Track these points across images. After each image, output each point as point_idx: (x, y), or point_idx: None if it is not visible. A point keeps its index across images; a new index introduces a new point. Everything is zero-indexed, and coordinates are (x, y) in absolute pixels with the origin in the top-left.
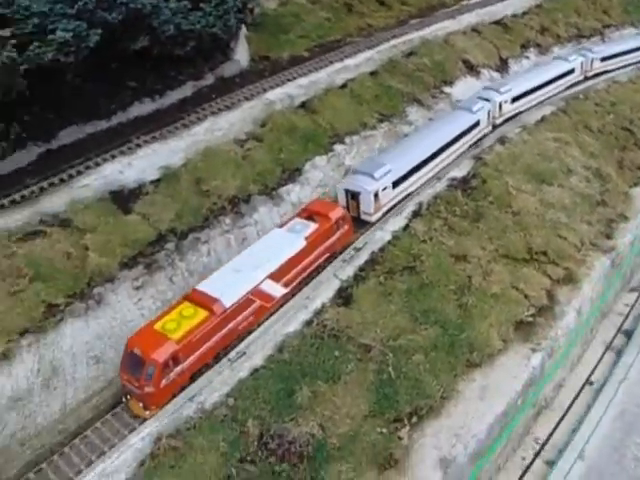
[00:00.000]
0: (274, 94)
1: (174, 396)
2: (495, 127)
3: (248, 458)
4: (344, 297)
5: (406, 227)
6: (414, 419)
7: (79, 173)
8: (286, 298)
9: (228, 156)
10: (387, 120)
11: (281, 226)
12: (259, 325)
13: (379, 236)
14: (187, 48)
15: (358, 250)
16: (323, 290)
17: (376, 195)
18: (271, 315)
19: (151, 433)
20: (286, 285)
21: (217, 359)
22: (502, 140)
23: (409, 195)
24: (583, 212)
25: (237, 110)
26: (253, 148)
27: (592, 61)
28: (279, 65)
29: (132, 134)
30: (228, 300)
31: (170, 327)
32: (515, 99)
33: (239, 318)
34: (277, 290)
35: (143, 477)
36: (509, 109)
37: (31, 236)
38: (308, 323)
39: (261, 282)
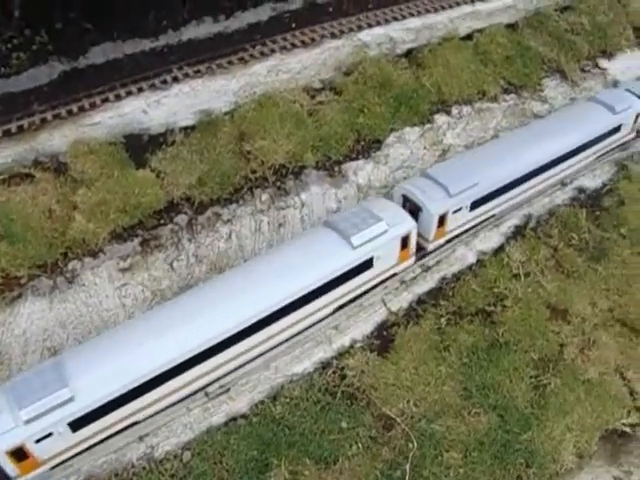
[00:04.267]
0: (371, 34)
1: None
2: None
3: None
4: (384, 339)
5: (499, 250)
6: None
7: (93, 106)
8: None
9: (290, 108)
10: (515, 91)
11: None
12: None
13: (459, 255)
14: None
15: (427, 270)
16: (361, 320)
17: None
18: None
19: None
20: None
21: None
22: None
23: (490, 219)
24: None
25: (316, 49)
26: (326, 102)
27: None
28: None
29: (176, 62)
30: None
31: None
32: None
33: None
34: None
35: None
36: None
37: (16, 180)
38: (324, 366)
39: None
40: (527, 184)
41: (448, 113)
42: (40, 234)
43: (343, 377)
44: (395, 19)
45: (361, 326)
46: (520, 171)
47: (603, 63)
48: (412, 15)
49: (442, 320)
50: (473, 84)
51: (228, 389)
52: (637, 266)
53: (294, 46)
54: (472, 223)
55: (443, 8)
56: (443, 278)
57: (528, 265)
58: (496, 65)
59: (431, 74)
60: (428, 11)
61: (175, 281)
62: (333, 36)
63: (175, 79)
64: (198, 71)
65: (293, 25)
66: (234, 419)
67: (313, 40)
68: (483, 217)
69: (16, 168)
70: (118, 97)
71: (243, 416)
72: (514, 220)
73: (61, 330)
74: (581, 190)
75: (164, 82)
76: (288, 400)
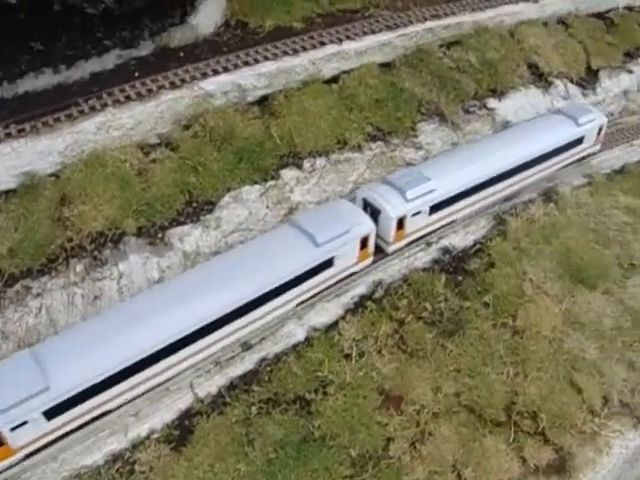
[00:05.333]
0: (216, 82)
1: None
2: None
3: None
4: (184, 429)
5: (333, 326)
6: None
7: None
8: None
9: (118, 169)
10: (383, 138)
11: None
12: None
13: (287, 331)
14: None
15: (248, 349)
16: (164, 407)
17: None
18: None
19: None
20: None
21: None
22: (549, 196)
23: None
24: (629, 344)
25: (152, 101)
26: (160, 160)
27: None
28: (253, 38)
29: (6, 119)
30: None
31: None
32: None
33: None
34: None
35: None
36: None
37: None
38: (115, 459)
39: None
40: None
41: (299, 167)
42: None
43: (131, 472)
44: (247, 64)
45: (163, 414)
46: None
47: (492, 103)
48: (267, 59)
49: (252, 409)
50: (333, 132)
51: None
52: (497, 341)
53: (129, 99)
54: (54, 435)
55: (304, 49)
56: (263, 359)
57: (364, 344)
58: (363, 110)
59: (284, 123)
60: (286, 53)
61: None
62: (173, 86)
63: None
64: (22, 130)
65: (136, 74)
66: None
67: (150, 91)
68: (74, 424)
69: None
70: None
71: None
72: (361, 288)
73: None
74: (446, 250)
75: None
76: None
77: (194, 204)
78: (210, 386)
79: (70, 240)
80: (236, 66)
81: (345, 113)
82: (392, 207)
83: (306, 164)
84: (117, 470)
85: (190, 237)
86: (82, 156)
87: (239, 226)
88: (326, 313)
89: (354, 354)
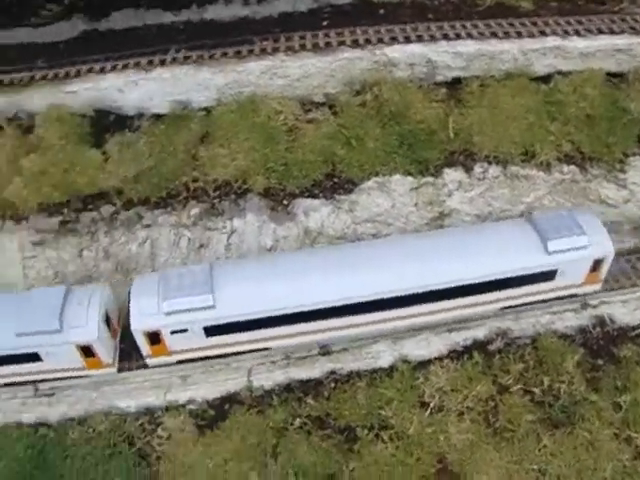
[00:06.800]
0: (402, 51)
1: None
2: None
3: None
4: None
5: (426, 364)
6: None
7: (77, 75)
8: None
9: (270, 119)
10: (580, 163)
11: None
12: None
13: (373, 351)
14: None
15: (325, 354)
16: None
17: None
18: None
19: None
20: None
21: None
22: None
23: None
24: None
25: (328, 57)
26: (317, 121)
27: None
28: (469, 9)
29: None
30: None
31: None
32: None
33: None
34: None
35: None
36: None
37: None
38: None
39: None
40: None
41: (467, 170)
42: None
43: None
44: (446, 37)
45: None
46: None
47: None
48: (470, 36)
49: (296, 421)
50: (522, 140)
51: None
52: (609, 457)
53: (303, 48)
54: None
55: (519, 35)
56: (332, 372)
57: (449, 398)
58: (568, 123)
59: (467, 115)
60: (495, 35)
61: (80, 270)
62: (355, 44)
63: (162, 62)
64: (188, 57)
65: (324, 23)
66: None
67: (329, 45)
68: None
69: None
70: (102, 70)
71: None
72: (480, 331)
73: None
74: (601, 321)
75: (150, 63)
76: None
77: (334, 179)
78: (267, 379)
79: (195, 181)
80: (432, 38)
81: (545, 121)
82: (138, 316)
83: (477, 169)
84: None
85: (316, 213)
86: (239, 97)
87: (375, 217)
88: (426, 346)
89: (432, 405)
